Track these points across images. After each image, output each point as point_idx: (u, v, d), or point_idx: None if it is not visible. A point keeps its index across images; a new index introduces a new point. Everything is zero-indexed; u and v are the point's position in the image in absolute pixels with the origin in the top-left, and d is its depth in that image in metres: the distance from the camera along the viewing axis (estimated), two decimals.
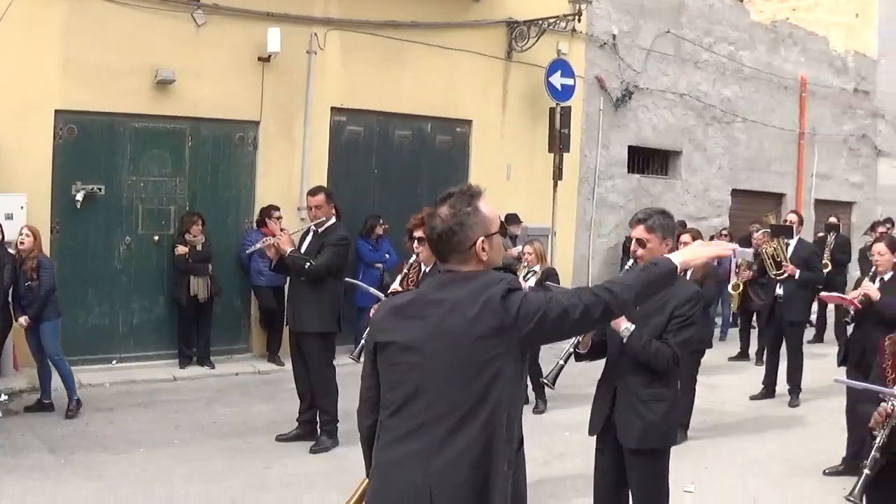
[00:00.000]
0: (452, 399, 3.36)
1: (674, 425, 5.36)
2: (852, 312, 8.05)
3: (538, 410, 9.78)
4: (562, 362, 4.57)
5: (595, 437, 5.41)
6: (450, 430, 3.36)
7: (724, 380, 12.15)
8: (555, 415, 9.57)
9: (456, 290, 3.42)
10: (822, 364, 11.01)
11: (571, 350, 4.44)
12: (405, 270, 6.90)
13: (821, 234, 16.93)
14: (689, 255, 3.86)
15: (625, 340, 5.07)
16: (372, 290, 7.91)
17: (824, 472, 8.04)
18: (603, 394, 5.33)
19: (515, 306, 3.34)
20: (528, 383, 9.09)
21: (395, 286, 6.78)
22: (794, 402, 10.87)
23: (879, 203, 23.70)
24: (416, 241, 6.64)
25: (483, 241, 3.44)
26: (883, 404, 4.11)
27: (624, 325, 5.02)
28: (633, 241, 5.31)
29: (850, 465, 7.78)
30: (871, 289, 7.88)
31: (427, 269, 6.66)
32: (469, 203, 3.48)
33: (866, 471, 4.09)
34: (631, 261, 5.43)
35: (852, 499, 4.06)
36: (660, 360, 5.03)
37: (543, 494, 6.85)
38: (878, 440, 4.07)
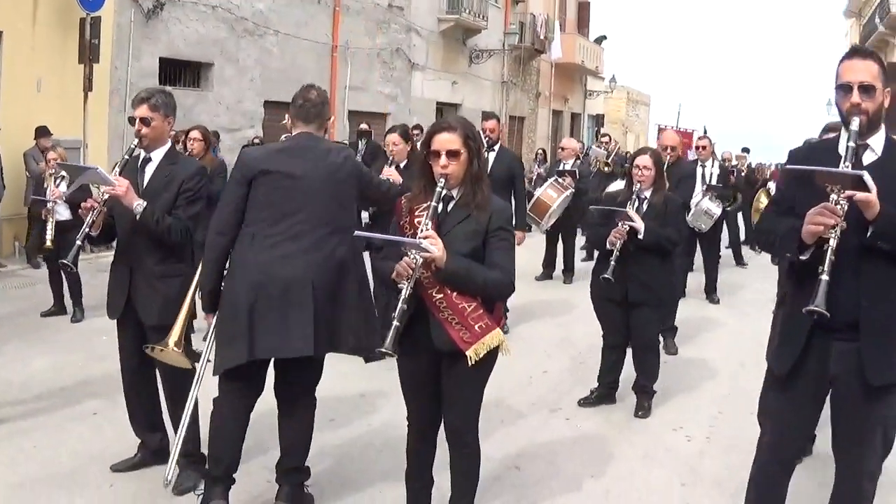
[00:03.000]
0: (324, 217, 5.17)
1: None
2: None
3: (76, 319, 10.72)
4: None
5: (117, 320, 5.85)
6: (322, 237, 5.14)
7: None
8: (96, 321, 10.26)
9: (322, 143, 5.37)
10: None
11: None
12: None
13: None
14: None
15: (138, 217, 5.42)
16: None
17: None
18: (119, 275, 5.77)
19: (361, 169, 5.62)
20: None
21: None
22: None
23: (413, 114, 26.77)
24: None
25: (333, 118, 5.71)
26: (406, 258, 4.41)
27: (136, 202, 5.41)
28: (138, 120, 5.59)
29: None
30: (393, 172, 8.64)
31: None
32: (326, 92, 5.53)
33: (395, 322, 4.37)
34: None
35: (386, 349, 4.37)
36: (172, 233, 5.50)
37: (84, 394, 8.32)
38: (403, 292, 4.40)
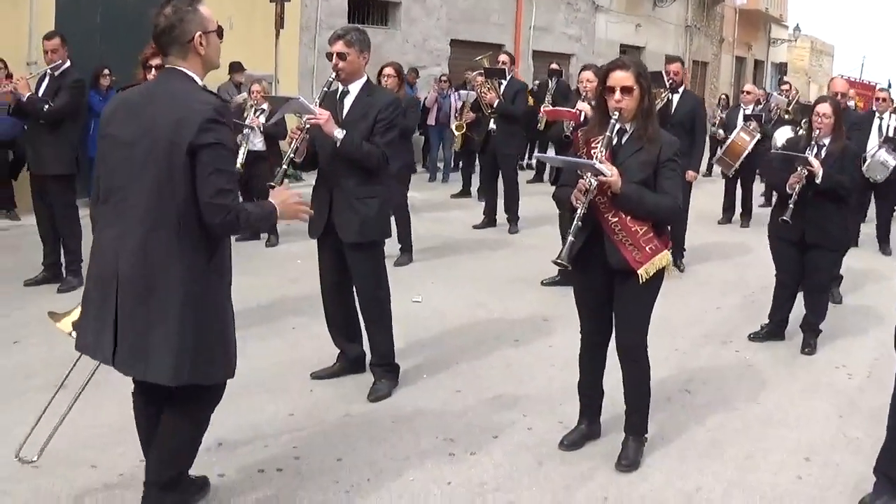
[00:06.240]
0: (146, 194, 3.87)
1: (386, 219, 6.25)
2: (572, 127, 9.13)
3: (270, 244, 11.09)
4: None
5: (317, 239, 6.26)
6: (139, 220, 3.88)
7: (449, 214, 13.80)
8: (290, 246, 10.84)
9: (174, 84, 3.99)
10: (539, 200, 12.54)
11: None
12: None
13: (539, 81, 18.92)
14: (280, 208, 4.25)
15: (338, 144, 5.79)
16: None
17: (542, 283, 9.56)
18: (320, 198, 6.10)
19: (209, 139, 3.82)
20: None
21: None
22: (513, 229, 12.57)
23: (598, 56, 25.71)
24: (152, 69, 7.01)
25: (201, 37, 4.02)
26: (581, 181, 4.87)
27: (336, 130, 5.79)
28: (335, 55, 5.94)
29: (565, 277, 8.91)
30: (586, 107, 8.90)
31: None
32: (190, 4, 4.06)
33: (571, 238, 4.89)
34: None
35: (561, 260, 4.92)
36: (371, 158, 5.87)
37: (282, 312, 8.15)
38: (579, 211, 4.85)
